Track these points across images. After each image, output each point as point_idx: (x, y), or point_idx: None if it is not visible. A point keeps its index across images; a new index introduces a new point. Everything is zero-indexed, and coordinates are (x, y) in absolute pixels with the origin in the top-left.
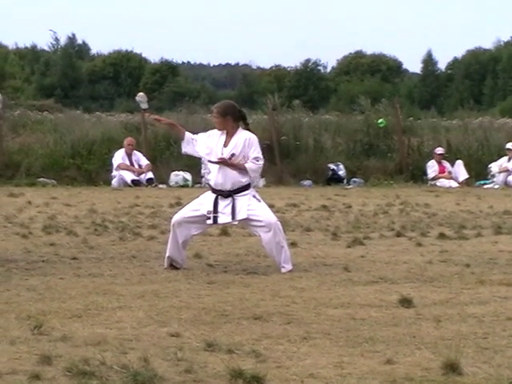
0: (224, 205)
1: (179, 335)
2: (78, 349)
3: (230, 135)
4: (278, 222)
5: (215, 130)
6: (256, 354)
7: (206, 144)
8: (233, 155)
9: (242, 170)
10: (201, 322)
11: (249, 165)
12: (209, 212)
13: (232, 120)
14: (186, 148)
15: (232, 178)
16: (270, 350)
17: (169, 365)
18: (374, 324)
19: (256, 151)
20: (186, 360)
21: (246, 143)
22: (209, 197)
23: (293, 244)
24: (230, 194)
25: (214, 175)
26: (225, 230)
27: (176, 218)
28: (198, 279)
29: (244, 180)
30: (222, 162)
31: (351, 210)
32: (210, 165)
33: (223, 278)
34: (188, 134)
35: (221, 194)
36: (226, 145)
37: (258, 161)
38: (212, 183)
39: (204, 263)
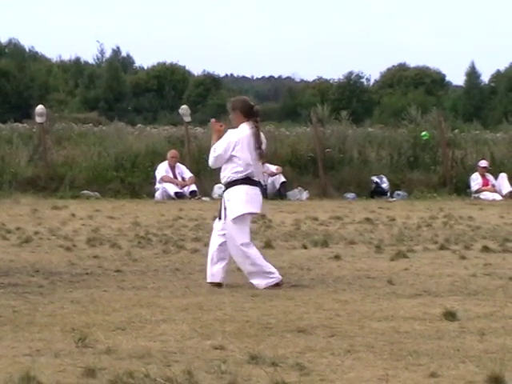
0: None
1: (223, 348)
2: (122, 361)
3: None
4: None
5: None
6: (300, 366)
7: None
8: None
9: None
10: (245, 334)
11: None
12: None
13: (241, 115)
14: None
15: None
16: (314, 363)
17: (213, 377)
18: (417, 337)
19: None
20: (229, 373)
21: None
22: None
23: (336, 257)
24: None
25: None
26: (268, 243)
27: None
28: (241, 292)
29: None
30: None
31: (395, 223)
32: None
33: (267, 291)
34: None
35: None
36: None
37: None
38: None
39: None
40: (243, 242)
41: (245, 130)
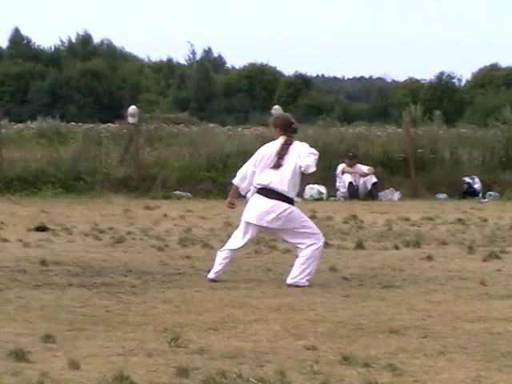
0: None
1: (315, 348)
2: (214, 361)
3: None
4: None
5: None
6: (392, 367)
7: None
8: None
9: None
10: (337, 335)
11: None
12: None
13: (279, 131)
14: None
15: None
16: (407, 364)
17: (305, 378)
18: (511, 338)
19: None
20: (322, 373)
21: None
22: None
23: (428, 257)
24: None
25: None
26: (360, 244)
27: None
28: (333, 292)
29: None
30: None
31: (487, 224)
32: None
33: (359, 292)
34: None
35: None
36: None
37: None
38: None
39: (339, 276)
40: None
41: (276, 142)
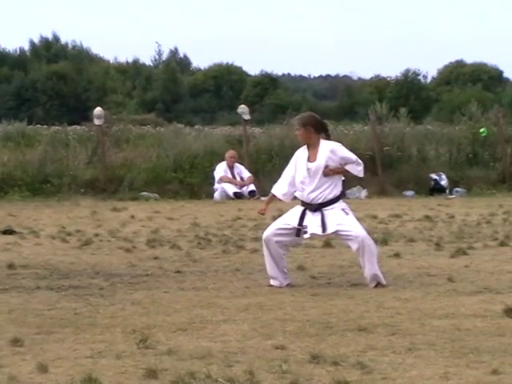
0: (312, 218)
1: (284, 347)
2: (183, 362)
3: (313, 148)
4: (368, 237)
5: (299, 150)
6: (361, 365)
7: (292, 174)
8: (326, 167)
9: (342, 173)
10: (305, 334)
11: (350, 167)
12: (299, 225)
13: (313, 131)
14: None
15: (323, 192)
16: (376, 362)
17: (274, 377)
18: (479, 334)
19: (351, 154)
20: (291, 372)
21: (332, 151)
22: (297, 210)
23: (396, 255)
24: (318, 207)
25: (306, 189)
26: (328, 242)
27: (266, 233)
28: (301, 291)
29: (333, 194)
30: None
31: (454, 220)
32: (300, 179)
33: (327, 290)
34: (280, 191)
35: (309, 207)
36: (310, 159)
37: (359, 164)
38: (303, 197)
39: (308, 275)
40: None
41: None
